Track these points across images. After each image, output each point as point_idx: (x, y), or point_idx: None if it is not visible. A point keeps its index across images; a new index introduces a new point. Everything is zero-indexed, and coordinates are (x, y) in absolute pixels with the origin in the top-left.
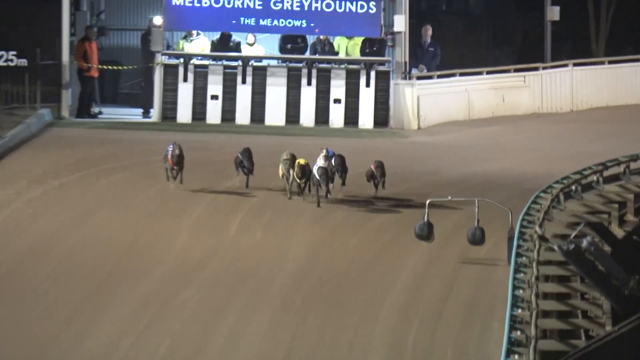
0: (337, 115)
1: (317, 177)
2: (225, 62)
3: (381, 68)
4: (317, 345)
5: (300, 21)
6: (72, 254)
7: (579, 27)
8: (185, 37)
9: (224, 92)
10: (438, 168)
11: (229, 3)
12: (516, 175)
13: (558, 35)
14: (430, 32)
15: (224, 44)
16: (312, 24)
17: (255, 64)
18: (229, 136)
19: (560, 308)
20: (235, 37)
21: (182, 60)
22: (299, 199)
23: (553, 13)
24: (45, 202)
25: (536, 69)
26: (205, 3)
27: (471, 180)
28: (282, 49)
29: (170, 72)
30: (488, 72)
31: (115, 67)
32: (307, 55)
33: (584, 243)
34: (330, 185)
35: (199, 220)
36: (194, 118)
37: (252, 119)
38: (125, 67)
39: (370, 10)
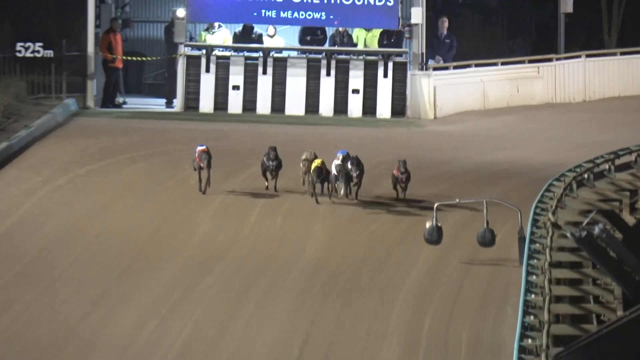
0: (355, 105)
1: (336, 173)
2: (246, 54)
3: (398, 59)
4: (336, 330)
5: (320, 13)
6: (96, 241)
7: (591, 19)
8: (207, 29)
9: (245, 83)
10: (454, 157)
11: None
12: (530, 164)
13: (571, 27)
14: (446, 24)
15: (245, 36)
16: (331, 16)
17: (276, 55)
18: (250, 125)
19: (572, 293)
20: (257, 29)
21: (204, 51)
22: (318, 194)
23: (566, 5)
24: (71, 190)
25: (550, 60)
26: None
27: (486, 168)
28: (302, 41)
29: (192, 63)
30: (503, 63)
31: (139, 58)
32: (327, 46)
33: (596, 230)
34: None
35: (219, 208)
36: (215, 108)
37: (273, 109)
38: (149, 58)
39: (388, 3)
